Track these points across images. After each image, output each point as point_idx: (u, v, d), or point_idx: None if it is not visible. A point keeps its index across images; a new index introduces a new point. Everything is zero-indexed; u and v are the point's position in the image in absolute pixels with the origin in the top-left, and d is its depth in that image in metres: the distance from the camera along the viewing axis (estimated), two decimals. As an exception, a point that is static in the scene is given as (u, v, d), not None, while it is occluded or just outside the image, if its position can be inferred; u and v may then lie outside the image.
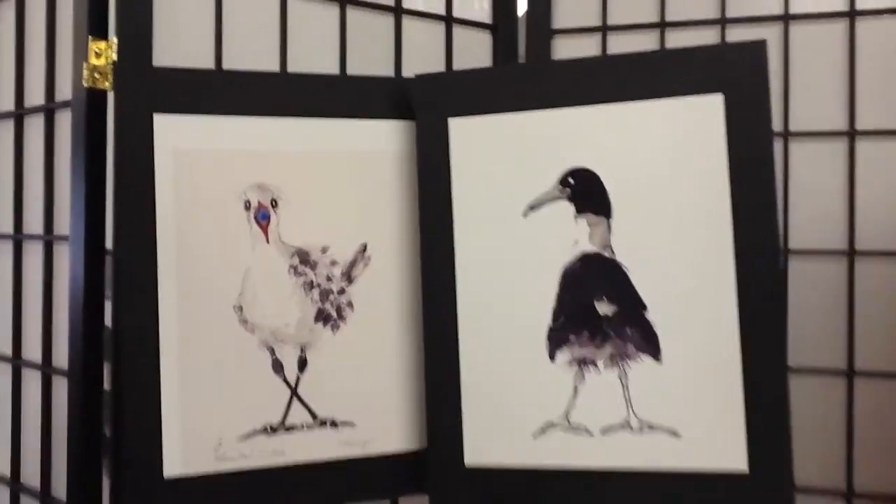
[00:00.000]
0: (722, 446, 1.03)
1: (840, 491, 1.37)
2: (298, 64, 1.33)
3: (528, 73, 1.15)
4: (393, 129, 1.17)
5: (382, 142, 1.17)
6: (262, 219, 1.12)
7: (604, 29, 1.49)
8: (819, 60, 1.39)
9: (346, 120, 1.16)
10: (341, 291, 1.15)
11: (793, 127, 1.39)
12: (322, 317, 1.14)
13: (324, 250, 1.14)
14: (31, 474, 1.36)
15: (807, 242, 1.37)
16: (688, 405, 1.04)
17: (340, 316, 1.15)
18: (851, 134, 1.36)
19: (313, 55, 1.36)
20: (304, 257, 1.13)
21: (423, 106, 1.13)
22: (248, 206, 1.11)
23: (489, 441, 1.09)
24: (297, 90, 1.16)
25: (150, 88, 1.10)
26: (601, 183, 1.07)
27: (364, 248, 1.16)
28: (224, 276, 1.10)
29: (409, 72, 1.41)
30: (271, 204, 1.12)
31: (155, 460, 1.06)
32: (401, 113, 1.18)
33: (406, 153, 1.18)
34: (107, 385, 1.20)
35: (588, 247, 1.07)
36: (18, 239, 1.38)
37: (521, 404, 1.09)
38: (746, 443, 1.02)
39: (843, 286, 1.37)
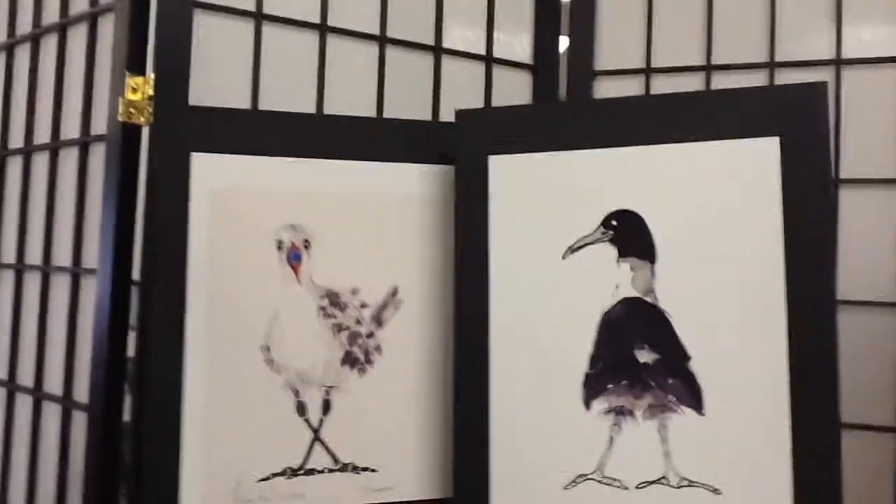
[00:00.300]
0: (767, 505, 0.98)
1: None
2: (335, 103, 1.33)
3: (572, 111, 1.12)
4: (427, 173, 1.16)
5: (416, 185, 1.16)
6: (294, 259, 1.11)
7: (647, 71, 1.46)
8: (870, 106, 1.35)
9: (381, 163, 1.15)
10: (370, 335, 1.13)
11: (843, 174, 1.34)
12: (349, 360, 1.12)
13: (354, 292, 1.13)
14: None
15: (856, 294, 1.32)
16: (731, 462, 0.99)
17: (368, 360, 1.13)
18: (904, 181, 1.32)
19: (351, 94, 1.36)
20: (333, 299, 1.12)
21: (463, 142, 1.10)
22: (280, 247, 1.11)
23: (517, 492, 1.04)
24: (333, 132, 1.15)
25: (189, 127, 1.11)
26: (646, 226, 1.03)
27: (395, 292, 1.14)
28: (253, 315, 1.09)
29: (447, 111, 1.40)
30: (304, 245, 1.11)
31: (172, 498, 1.04)
32: (436, 157, 1.16)
33: (440, 197, 1.17)
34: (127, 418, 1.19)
35: (630, 292, 1.03)
36: (46, 271, 1.38)
37: (552, 454, 1.04)
38: (793, 499, 0.96)
39: (893, 339, 1.31)
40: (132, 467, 1.15)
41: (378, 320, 1.13)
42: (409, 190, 1.16)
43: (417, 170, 1.16)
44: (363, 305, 1.13)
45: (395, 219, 1.15)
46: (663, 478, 1.01)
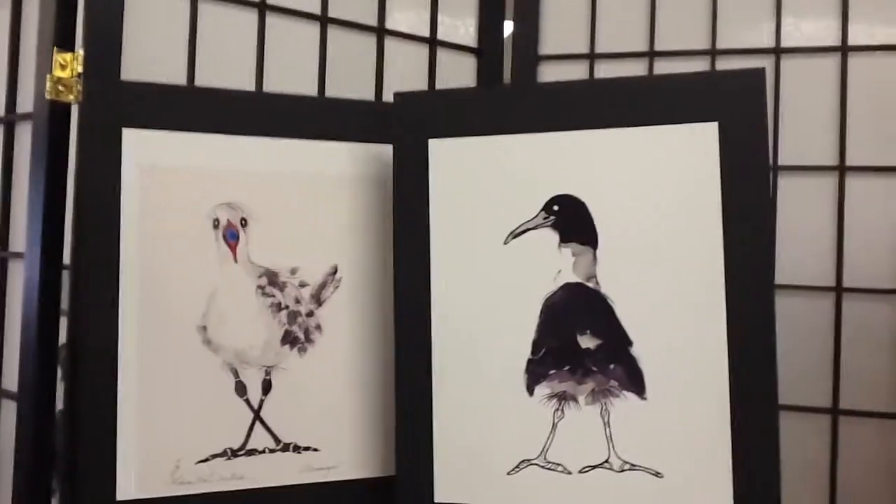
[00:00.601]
0: (707, 488, 0.98)
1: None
2: (275, 84, 1.29)
3: (514, 96, 1.11)
4: (366, 152, 1.15)
5: (356, 164, 1.15)
6: (231, 238, 1.09)
7: (591, 56, 1.46)
8: (810, 94, 1.37)
9: (319, 142, 1.13)
10: (310, 314, 1.12)
11: (782, 161, 1.36)
12: (289, 339, 1.11)
13: (293, 272, 1.11)
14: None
15: (793, 278, 1.33)
16: (672, 445, 1.00)
17: (308, 339, 1.12)
18: (841, 169, 1.34)
19: (291, 75, 1.33)
20: (272, 278, 1.10)
21: (404, 125, 1.08)
22: (216, 225, 1.08)
23: (461, 477, 1.04)
24: (271, 109, 1.13)
25: (120, 102, 1.07)
26: (587, 211, 1.03)
27: (335, 271, 1.13)
28: (189, 295, 1.07)
29: (391, 94, 1.38)
30: (240, 223, 1.09)
31: (108, 482, 1.02)
32: (374, 136, 1.15)
33: (379, 176, 1.15)
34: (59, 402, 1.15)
35: (572, 277, 1.03)
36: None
37: (496, 440, 1.04)
38: (732, 484, 0.97)
39: (829, 323, 1.34)
40: (65, 456, 1.12)
41: (317, 299, 1.12)
42: (349, 169, 1.14)
43: (356, 149, 1.15)
44: (302, 285, 1.12)
45: (334, 198, 1.14)
46: (606, 462, 1.01)
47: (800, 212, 1.35)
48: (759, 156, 0.99)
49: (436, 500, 1.04)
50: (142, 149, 1.05)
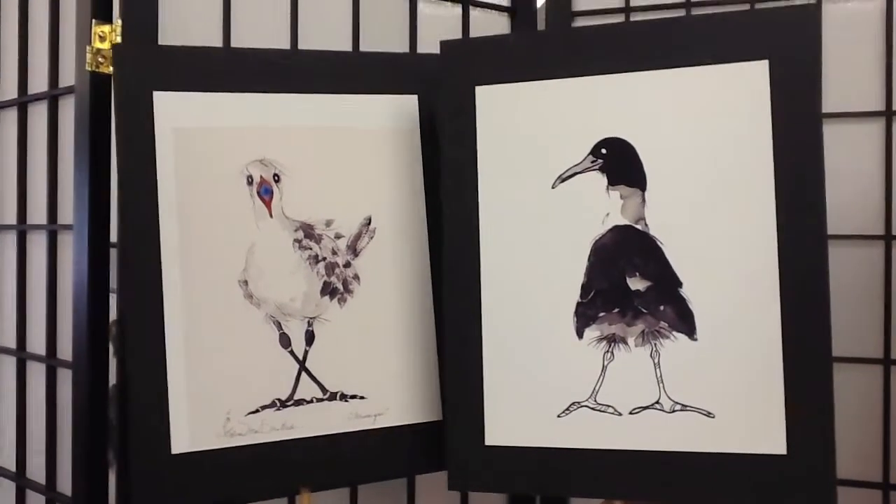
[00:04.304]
0: (758, 428, 0.98)
1: (877, 482, 1.31)
2: (309, 45, 1.30)
3: (559, 40, 1.10)
4: (393, 104, 1.15)
5: (384, 117, 1.15)
6: (265, 194, 1.10)
7: (627, 10, 1.45)
8: (854, 39, 1.34)
9: (346, 95, 1.14)
10: (347, 265, 1.13)
11: (826, 108, 1.34)
12: (328, 290, 1.12)
13: (328, 224, 1.12)
14: (36, 468, 1.32)
15: (840, 228, 1.32)
16: (724, 385, 0.99)
17: (347, 289, 1.12)
18: (888, 115, 1.31)
19: (326, 37, 1.33)
20: (308, 231, 1.11)
21: (449, 73, 1.08)
22: (250, 182, 1.09)
23: (511, 420, 1.04)
24: (299, 65, 1.14)
25: (149, 66, 1.07)
26: (636, 153, 1.02)
27: (368, 222, 1.14)
28: (228, 252, 1.08)
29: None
30: (273, 179, 1.10)
31: (163, 437, 1.03)
32: (401, 88, 1.15)
33: (407, 127, 1.16)
34: (112, 377, 1.17)
35: (620, 220, 1.03)
36: (22, 230, 1.35)
37: (545, 382, 1.04)
38: (785, 424, 0.96)
39: (879, 272, 1.32)
40: (119, 413, 1.14)
41: (354, 250, 1.13)
42: (376, 121, 1.15)
43: (383, 101, 1.15)
44: (338, 236, 1.12)
45: (364, 150, 1.14)
46: (656, 403, 1.01)
47: (846, 160, 1.34)
48: (812, 94, 0.98)
49: (486, 443, 1.04)
50: (173, 111, 1.06)
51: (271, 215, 1.10)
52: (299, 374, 1.09)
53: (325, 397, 1.10)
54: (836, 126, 1.34)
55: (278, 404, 1.08)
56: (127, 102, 1.05)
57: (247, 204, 1.09)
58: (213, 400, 1.06)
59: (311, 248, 1.11)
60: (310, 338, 1.10)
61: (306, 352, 1.10)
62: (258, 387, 1.08)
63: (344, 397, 1.11)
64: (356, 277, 1.13)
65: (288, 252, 1.10)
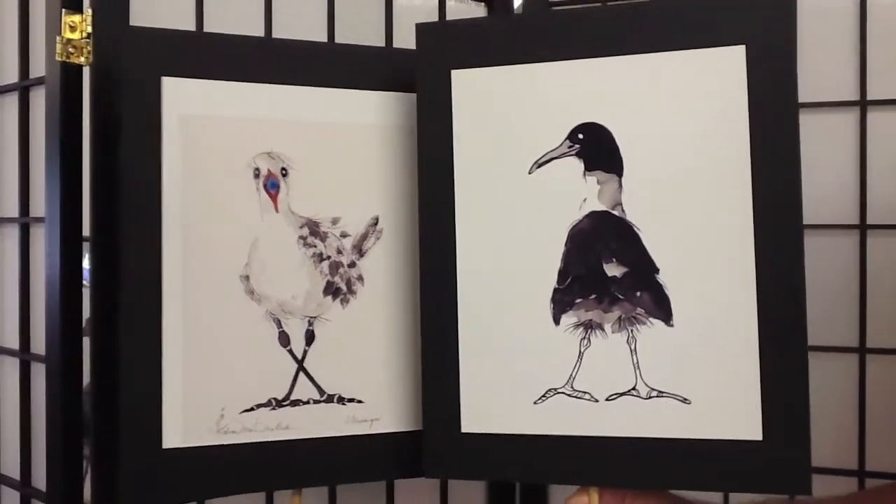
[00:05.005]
0: (735, 414, 0.98)
1: (853, 469, 1.32)
2: (282, 34, 1.28)
3: (536, 23, 1.09)
4: (409, 102, 1.12)
5: (398, 115, 1.13)
6: (272, 188, 1.07)
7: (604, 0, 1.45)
8: (828, 27, 1.35)
9: (364, 91, 1.12)
10: (351, 265, 1.11)
11: (802, 98, 1.34)
12: (331, 290, 1.10)
13: (334, 222, 1.10)
14: (10, 464, 1.31)
15: (816, 218, 1.32)
16: (700, 372, 0.99)
17: (350, 290, 1.10)
18: (863, 104, 1.32)
19: (299, 24, 1.32)
20: (313, 228, 1.09)
21: (425, 56, 1.07)
22: (257, 174, 1.07)
23: (488, 407, 1.03)
24: (313, 58, 1.11)
25: (161, 50, 1.05)
26: (612, 139, 1.02)
27: (376, 222, 1.12)
28: (231, 245, 1.06)
29: (400, 43, 1.37)
30: (281, 173, 1.08)
31: (154, 431, 1.01)
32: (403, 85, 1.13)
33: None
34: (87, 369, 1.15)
35: (597, 205, 1.02)
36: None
37: (522, 369, 1.03)
38: (761, 409, 0.96)
39: (854, 262, 1.33)
40: (96, 423, 1.13)
41: (359, 250, 1.11)
42: (391, 119, 1.13)
43: (400, 98, 1.13)
44: (344, 235, 1.10)
45: (375, 148, 1.12)
46: (633, 389, 1.01)
47: (821, 150, 1.34)
48: (788, 79, 0.98)
49: (463, 430, 1.04)
50: (181, 98, 1.04)
51: (277, 210, 1.08)
52: (297, 374, 1.08)
53: (323, 399, 1.08)
54: (812, 116, 1.34)
55: (274, 403, 1.06)
56: (135, 86, 1.03)
57: (252, 197, 1.07)
58: (208, 395, 1.04)
59: (315, 246, 1.09)
60: (310, 337, 1.08)
61: (305, 351, 1.08)
62: (254, 384, 1.06)
63: (342, 400, 1.09)
64: (360, 278, 1.11)
65: (292, 249, 1.08)
